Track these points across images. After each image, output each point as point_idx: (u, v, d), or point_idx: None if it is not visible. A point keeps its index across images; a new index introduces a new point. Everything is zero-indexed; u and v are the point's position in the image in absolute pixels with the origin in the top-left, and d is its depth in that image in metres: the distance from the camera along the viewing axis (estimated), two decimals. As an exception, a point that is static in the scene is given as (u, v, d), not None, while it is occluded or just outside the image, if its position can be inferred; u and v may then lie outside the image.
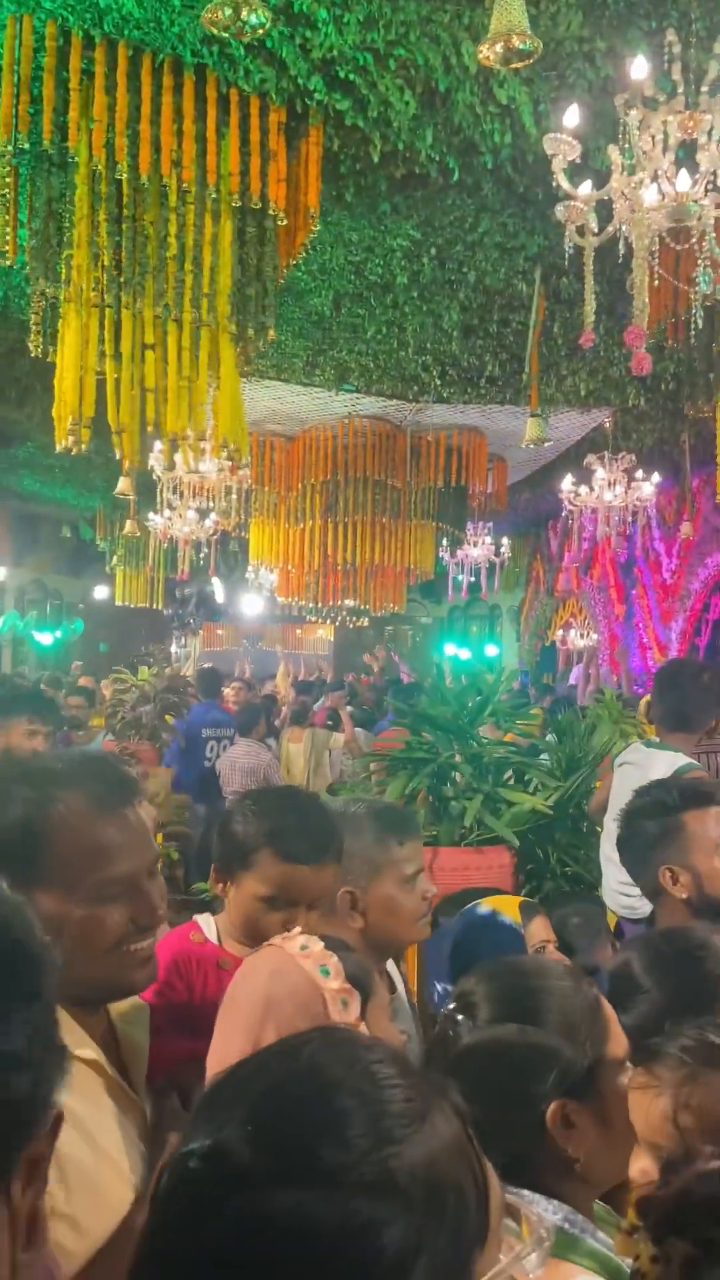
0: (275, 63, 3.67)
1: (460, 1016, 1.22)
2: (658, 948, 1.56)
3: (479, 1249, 0.69)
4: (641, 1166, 1.14)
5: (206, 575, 8.92)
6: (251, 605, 14.00)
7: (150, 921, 1.23)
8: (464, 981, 1.28)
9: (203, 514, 7.68)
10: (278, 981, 1.19)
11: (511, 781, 3.18)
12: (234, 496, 7.10)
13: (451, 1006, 1.24)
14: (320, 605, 9.67)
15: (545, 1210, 1.07)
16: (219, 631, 16.95)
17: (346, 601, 9.57)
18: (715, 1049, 1.12)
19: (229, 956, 1.72)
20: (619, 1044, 1.23)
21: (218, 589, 9.13)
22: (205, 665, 10.27)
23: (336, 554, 8.57)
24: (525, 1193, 0.93)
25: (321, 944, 1.24)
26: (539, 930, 2.09)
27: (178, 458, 6.29)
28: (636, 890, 2.24)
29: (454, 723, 3.03)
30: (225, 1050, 1.18)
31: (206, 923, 1.82)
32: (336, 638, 17.22)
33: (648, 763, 3.03)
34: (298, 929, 1.31)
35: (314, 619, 11.09)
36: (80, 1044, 1.14)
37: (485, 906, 1.93)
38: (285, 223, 4.05)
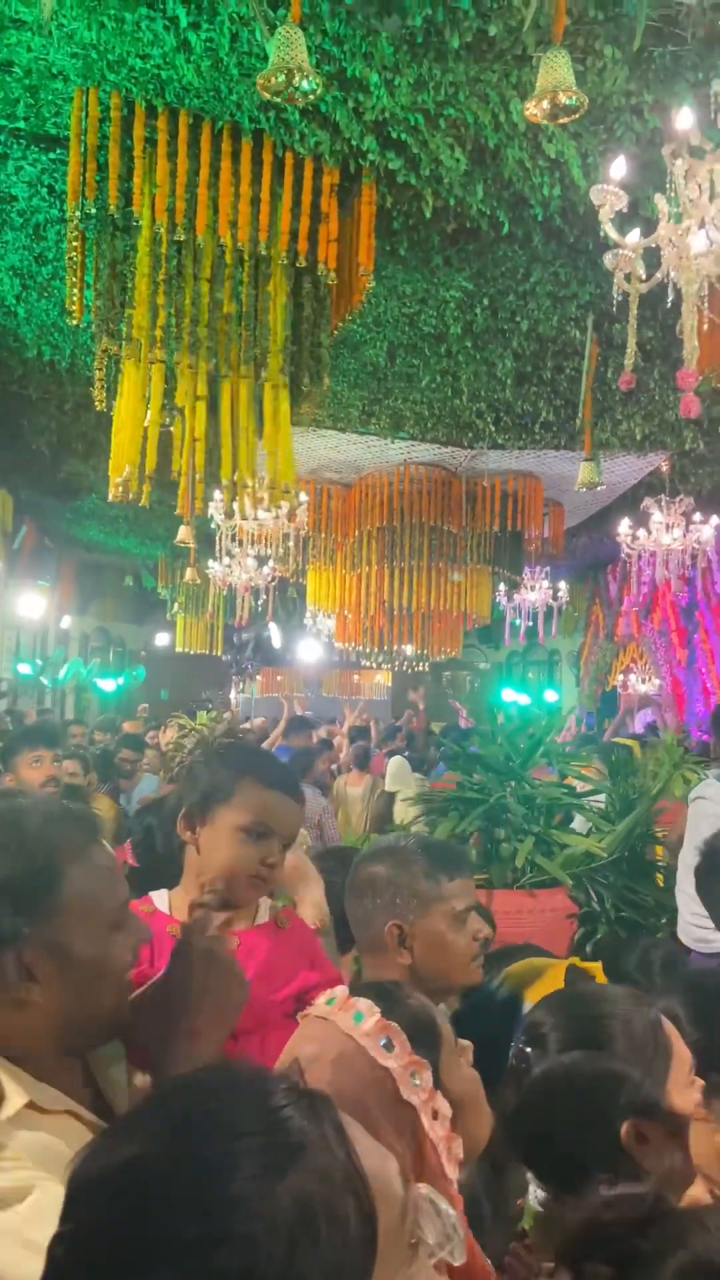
0: (329, 126, 3.81)
1: (530, 1049, 1.25)
2: (702, 992, 1.55)
3: (366, 1271, 0.69)
4: (695, 1195, 1.16)
5: (264, 621, 9.04)
6: (310, 651, 14.11)
7: (139, 946, 1.26)
8: (532, 1013, 1.31)
9: (261, 561, 7.81)
10: (343, 1073, 1.07)
11: (565, 824, 3.16)
12: (291, 543, 7.21)
13: (522, 1040, 1.27)
14: (377, 650, 9.72)
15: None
16: (278, 677, 17.09)
17: (404, 647, 9.60)
18: None
19: (178, 925, 1.70)
20: (683, 1061, 1.24)
21: (275, 634, 9.22)
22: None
23: (393, 599, 8.64)
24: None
25: (377, 1010, 1.12)
26: None
27: (235, 506, 6.43)
28: (710, 924, 2.21)
29: (505, 763, 3.02)
30: None
31: (160, 897, 1.83)
32: (395, 683, 17.23)
33: (717, 796, 3.00)
34: (343, 989, 1.20)
35: (371, 664, 11.13)
36: (54, 1101, 1.13)
37: (509, 985, 1.86)
38: (335, 282, 4.18)
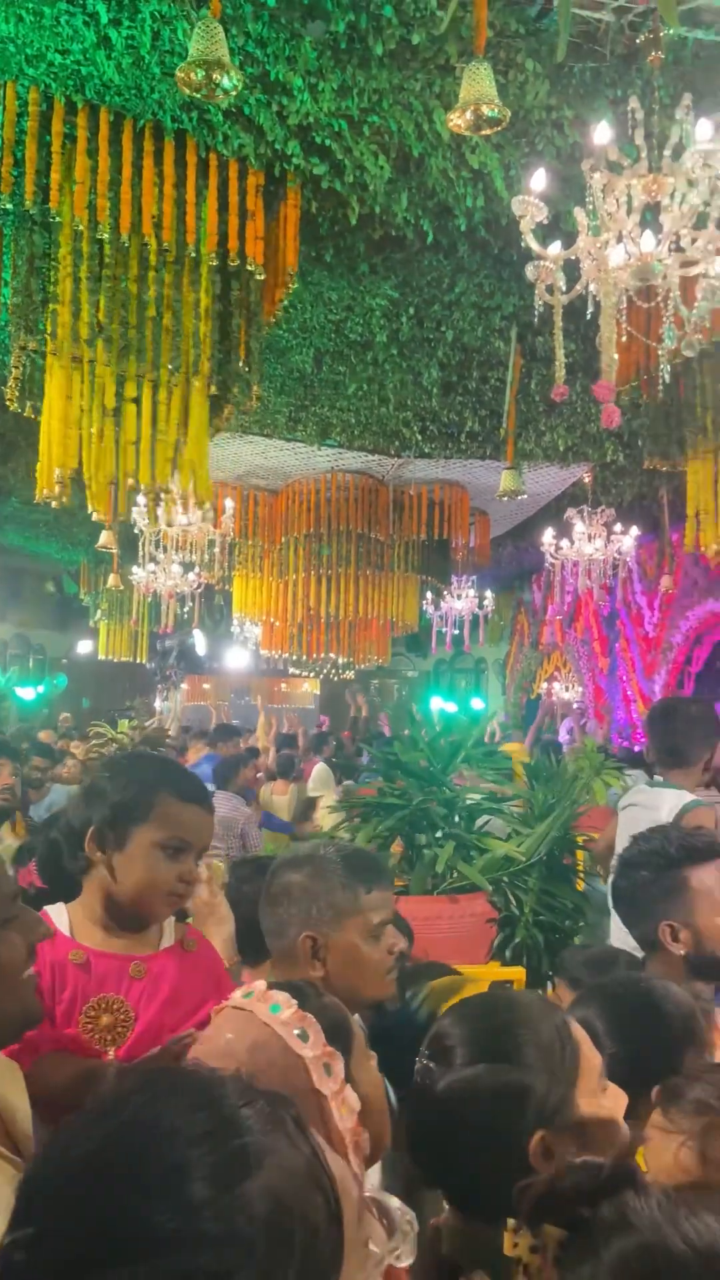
0: (253, 128, 3.79)
1: (433, 1064, 1.22)
2: (618, 1004, 1.55)
3: (336, 1268, 0.68)
4: None
5: (190, 628, 8.93)
6: (236, 659, 14.01)
7: (35, 945, 1.24)
8: (438, 1025, 1.27)
9: (187, 567, 7.72)
10: (258, 1058, 1.08)
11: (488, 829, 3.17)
12: (217, 549, 7.15)
13: (426, 1054, 1.24)
14: (305, 658, 9.69)
15: None
16: (204, 685, 16.92)
17: (331, 655, 9.59)
18: None
19: (81, 949, 1.68)
20: (591, 1067, 1.22)
21: (199, 641, 9.10)
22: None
23: (320, 607, 8.62)
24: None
25: (294, 1002, 1.14)
26: None
27: (159, 511, 6.34)
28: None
29: (427, 769, 3.02)
30: None
31: (58, 915, 1.74)
32: (322, 691, 17.20)
33: (653, 802, 3.02)
34: (261, 983, 1.21)
35: (299, 672, 11.09)
36: None
37: (429, 1005, 1.83)
38: (264, 279, 4.15)
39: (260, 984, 1.20)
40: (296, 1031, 1.11)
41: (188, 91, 2.73)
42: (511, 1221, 0.82)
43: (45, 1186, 0.66)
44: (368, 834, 2.86)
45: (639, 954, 2.53)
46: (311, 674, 11.63)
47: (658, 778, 3.19)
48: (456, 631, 10.73)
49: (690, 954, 1.93)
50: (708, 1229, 0.75)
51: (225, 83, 2.66)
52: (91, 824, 1.72)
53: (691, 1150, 1.10)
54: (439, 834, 2.89)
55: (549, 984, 2.94)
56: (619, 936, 2.88)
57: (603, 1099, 1.21)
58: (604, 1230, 0.77)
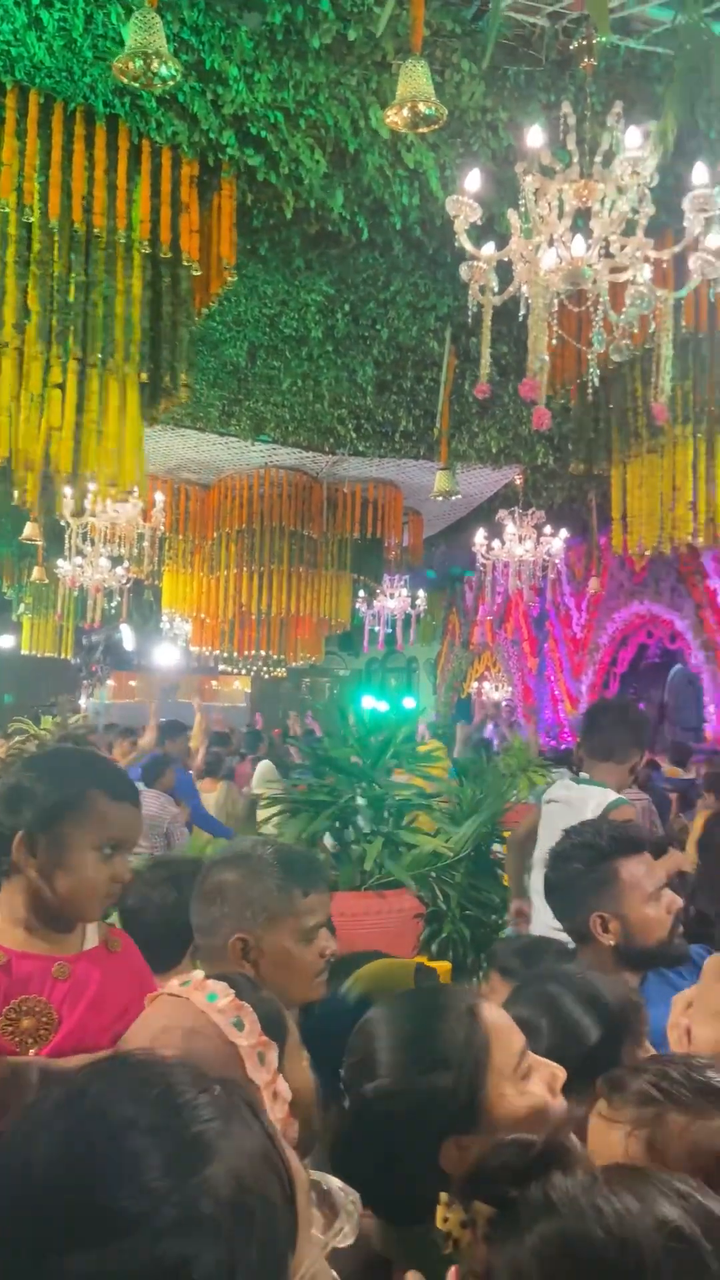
0: (187, 116, 3.75)
1: (349, 1077, 1.22)
2: (557, 996, 1.55)
3: (292, 1247, 0.69)
4: None
5: (117, 623, 8.79)
6: (166, 655, 13.85)
7: None
8: (353, 1036, 1.26)
9: (115, 561, 7.60)
10: (193, 1044, 1.08)
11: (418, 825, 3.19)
12: (147, 544, 7.05)
13: (345, 1067, 1.24)
14: (236, 655, 9.62)
15: None
16: (131, 682, 16.68)
17: (262, 652, 9.53)
18: (680, 1085, 1.12)
19: (2, 950, 1.63)
20: (505, 1054, 1.19)
21: (127, 637, 8.95)
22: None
23: (252, 604, 8.57)
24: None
25: (231, 991, 1.14)
26: None
27: (87, 503, 6.23)
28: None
29: (356, 765, 3.02)
30: None
31: None
32: (253, 689, 17.11)
33: (579, 799, 3.06)
34: (198, 972, 1.20)
35: (230, 670, 11.01)
36: None
37: (358, 989, 1.82)
38: (199, 273, 4.10)
39: (197, 973, 1.20)
40: (232, 1020, 1.11)
41: (126, 80, 2.69)
42: (444, 1196, 0.82)
43: (11, 1176, 0.66)
44: (297, 830, 2.85)
45: (567, 943, 2.56)
46: (243, 671, 11.54)
47: (583, 774, 3.24)
48: (389, 630, 10.77)
49: (619, 944, 1.96)
50: (628, 1213, 0.76)
51: (164, 71, 2.62)
52: (18, 828, 1.65)
53: (639, 1140, 1.10)
54: (367, 831, 2.89)
55: (476, 977, 2.96)
56: (542, 929, 2.92)
57: (526, 1084, 1.19)
58: (528, 1211, 0.78)
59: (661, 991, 1.99)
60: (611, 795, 3.09)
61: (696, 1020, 1.43)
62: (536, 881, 3.31)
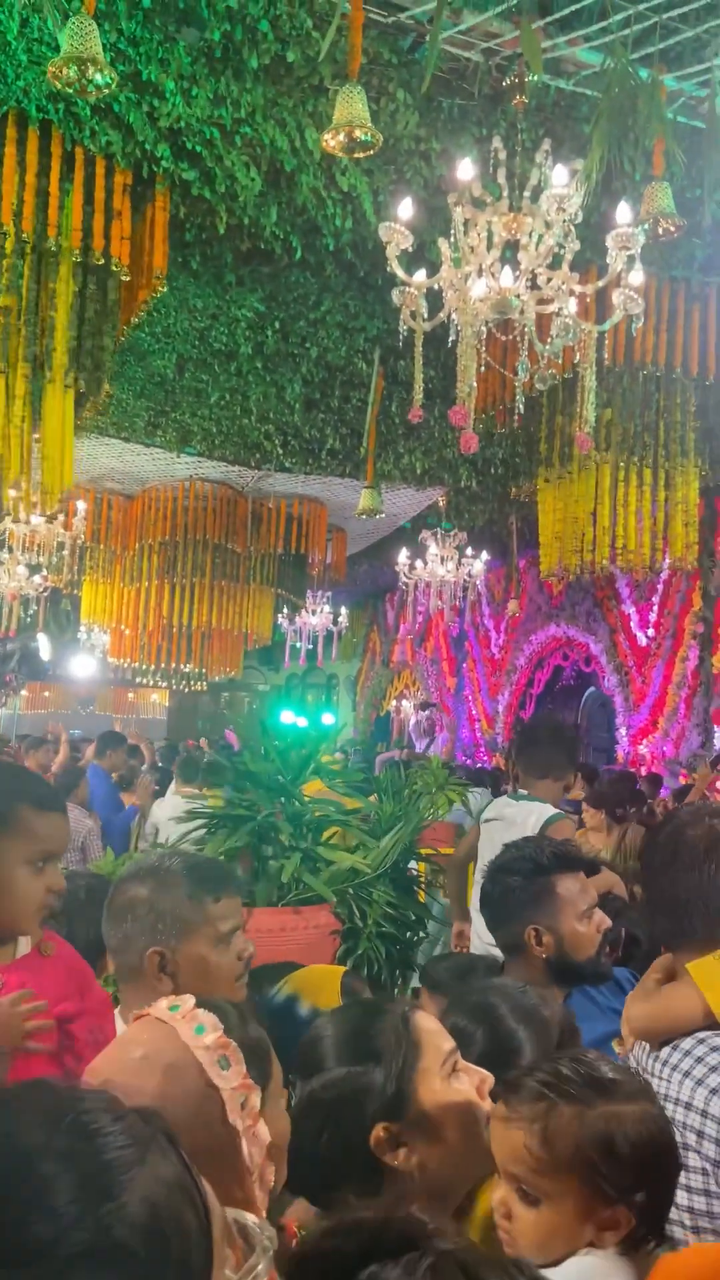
0: (122, 126, 3.73)
1: (296, 1079, 1.25)
2: (493, 1009, 1.59)
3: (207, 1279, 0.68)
4: (500, 1196, 1.18)
5: (33, 632, 8.62)
6: (83, 666, 13.60)
7: None
8: (303, 1042, 1.32)
9: (33, 569, 7.46)
10: (173, 1082, 1.04)
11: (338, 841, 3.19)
12: (67, 552, 6.94)
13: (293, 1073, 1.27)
14: (155, 668, 9.51)
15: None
16: (46, 694, 16.33)
17: (182, 666, 9.45)
18: (570, 1081, 1.18)
19: None
20: (434, 1054, 1.26)
21: (43, 645, 8.78)
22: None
23: (173, 616, 8.49)
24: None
25: (220, 1027, 1.09)
26: None
27: (7, 509, 6.12)
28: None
29: (276, 780, 3.01)
30: None
31: None
32: (172, 703, 16.91)
33: (519, 815, 3.12)
34: (190, 998, 1.15)
35: (147, 682, 10.88)
36: None
37: (286, 991, 1.85)
38: (129, 279, 4.09)
39: (189, 999, 1.15)
40: (218, 1059, 1.07)
41: (60, 85, 2.67)
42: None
43: None
44: (215, 846, 2.82)
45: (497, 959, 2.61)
46: (161, 684, 11.41)
47: (521, 791, 3.32)
48: (310, 646, 10.77)
49: (551, 957, 2.01)
50: None
51: (99, 79, 2.62)
52: None
53: (534, 1135, 1.14)
54: (286, 846, 2.89)
55: (393, 994, 2.98)
56: (480, 944, 2.96)
57: (453, 1081, 1.25)
58: None
59: (585, 1008, 2.08)
60: (550, 810, 3.17)
61: (630, 1000, 1.58)
62: (477, 900, 3.36)
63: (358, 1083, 1.22)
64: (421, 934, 3.20)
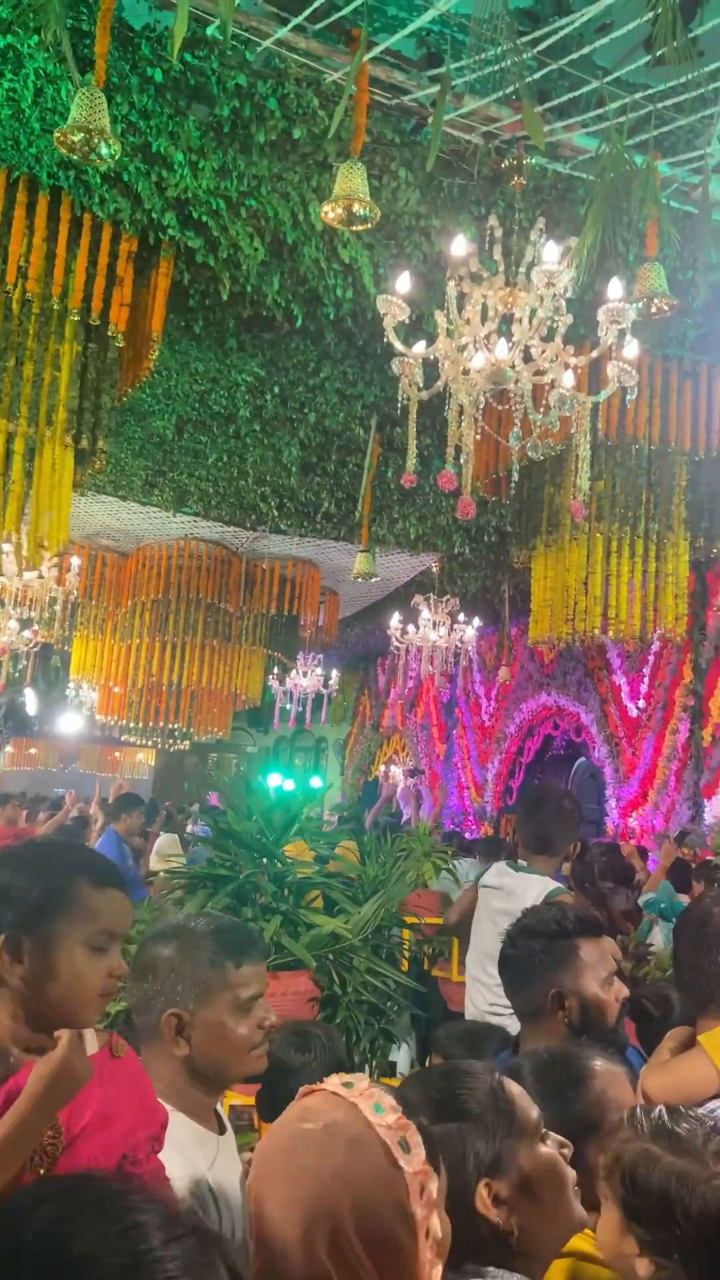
0: (130, 194, 3.83)
1: None
2: (547, 1069, 1.58)
3: None
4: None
5: (21, 687, 8.58)
6: (70, 723, 13.52)
7: None
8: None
9: (24, 624, 7.45)
10: (356, 1157, 0.98)
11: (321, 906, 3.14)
12: (58, 608, 6.94)
13: None
14: (142, 726, 9.45)
15: None
16: (31, 750, 16.19)
17: (170, 725, 9.39)
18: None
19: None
20: (528, 1117, 1.28)
21: (30, 701, 8.70)
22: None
23: (163, 675, 8.47)
24: None
25: (399, 1108, 1.04)
26: None
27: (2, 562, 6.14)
28: (508, 1012, 2.24)
29: (258, 840, 2.98)
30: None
31: None
32: (158, 762, 16.78)
33: (520, 887, 3.10)
34: (363, 1076, 1.10)
35: (135, 740, 10.80)
36: None
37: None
38: (123, 345, 4.16)
39: (363, 1078, 1.09)
40: (399, 1140, 1.01)
41: (64, 151, 2.75)
42: None
43: None
44: (196, 906, 2.78)
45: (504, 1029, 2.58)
46: (148, 743, 11.33)
47: (521, 863, 3.31)
48: (300, 709, 10.73)
49: (574, 1022, 1.99)
50: None
51: (104, 150, 2.69)
52: None
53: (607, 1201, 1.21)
54: (266, 908, 2.84)
55: (368, 1065, 2.90)
56: (477, 1014, 2.92)
57: (542, 1147, 1.28)
58: None
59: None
60: (552, 884, 3.14)
61: (645, 1071, 1.64)
62: (473, 967, 3.30)
63: (459, 1142, 1.22)
64: (402, 1004, 3.13)
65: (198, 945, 1.67)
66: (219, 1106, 1.74)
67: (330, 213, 3.17)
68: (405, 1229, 0.97)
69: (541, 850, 3.30)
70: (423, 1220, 0.98)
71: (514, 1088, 1.32)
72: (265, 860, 2.95)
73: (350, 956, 2.90)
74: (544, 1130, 1.30)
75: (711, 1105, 1.47)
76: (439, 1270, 1.00)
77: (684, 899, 4.54)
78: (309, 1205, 0.97)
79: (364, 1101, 1.03)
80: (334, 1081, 1.08)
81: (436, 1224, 1.00)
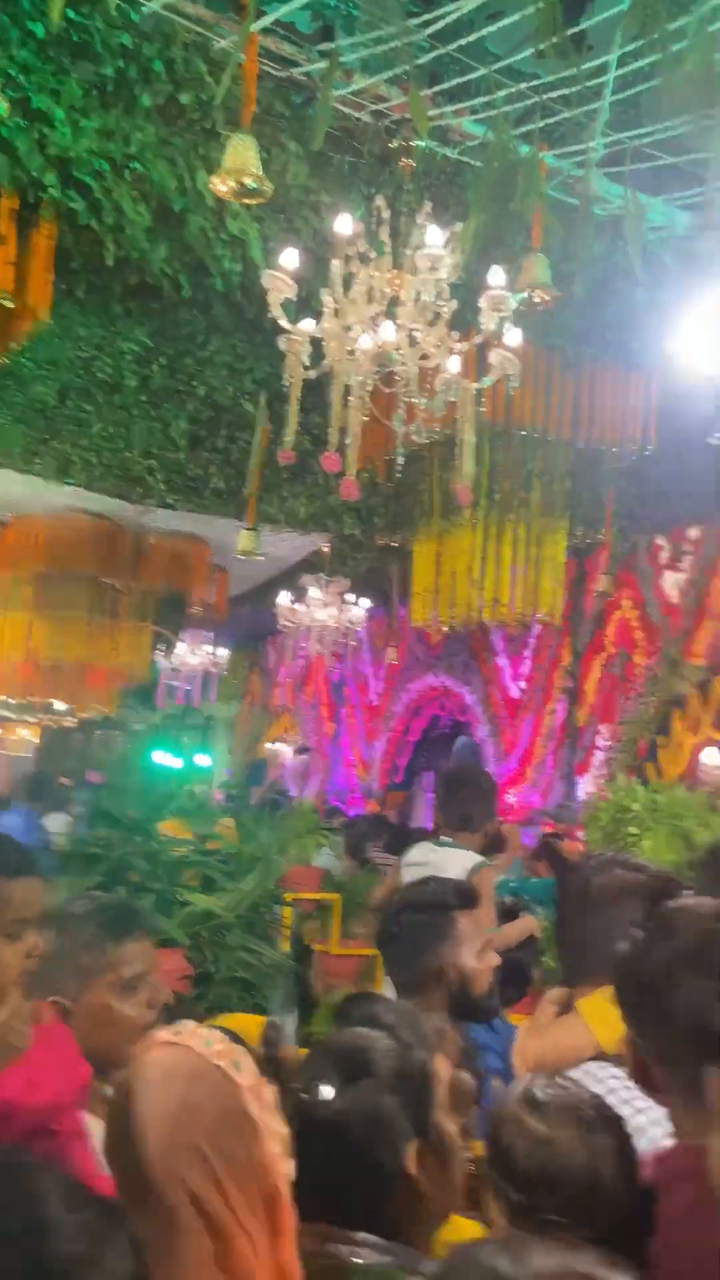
0: (8, 150, 3.68)
1: (305, 1095, 1.28)
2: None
3: None
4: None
5: None
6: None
7: None
8: (304, 1062, 1.36)
9: None
10: (198, 1087, 1.07)
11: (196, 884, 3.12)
12: (-67, 579, 6.69)
13: (298, 1087, 1.29)
14: (23, 703, 9.21)
15: (375, 1254, 1.17)
16: None
17: (52, 702, 9.18)
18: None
19: None
20: (441, 1086, 1.33)
21: None
22: None
23: (44, 650, 8.26)
24: None
25: (225, 1038, 1.13)
26: None
27: None
28: None
29: (133, 818, 2.94)
30: None
31: None
32: (43, 739, 16.36)
33: (444, 863, 3.20)
34: (189, 1022, 1.18)
35: (14, 717, 10.52)
36: None
37: None
38: (12, 306, 4.01)
39: (188, 1023, 1.17)
40: (231, 1062, 1.11)
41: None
42: None
43: None
44: (68, 885, 2.73)
45: None
46: (30, 720, 11.05)
47: (444, 839, 3.43)
48: (188, 687, 10.62)
49: (455, 994, 2.06)
50: None
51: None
52: None
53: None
54: (139, 886, 2.82)
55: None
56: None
57: (448, 1120, 1.33)
58: None
59: (491, 1041, 2.26)
60: (476, 858, 3.30)
61: (524, 1034, 1.70)
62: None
63: (392, 1103, 1.25)
64: (278, 981, 3.15)
65: (76, 929, 1.64)
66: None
67: (221, 185, 3.12)
68: (253, 1132, 1.08)
69: (463, 827, 3.47)
70: (265, 1123, 1.10)
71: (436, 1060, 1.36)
72: (139, 839, 2.92)
73: (224, 934, 2.90)
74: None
75: (588, 1067, 1.55)
76: (291, 1165, 1.11)
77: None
78: (170, 1143, 1.05)
79: (194, 1040, 1.13)
80: (161, 1033, 1.17)
81: (279, 1125, 1.12)
